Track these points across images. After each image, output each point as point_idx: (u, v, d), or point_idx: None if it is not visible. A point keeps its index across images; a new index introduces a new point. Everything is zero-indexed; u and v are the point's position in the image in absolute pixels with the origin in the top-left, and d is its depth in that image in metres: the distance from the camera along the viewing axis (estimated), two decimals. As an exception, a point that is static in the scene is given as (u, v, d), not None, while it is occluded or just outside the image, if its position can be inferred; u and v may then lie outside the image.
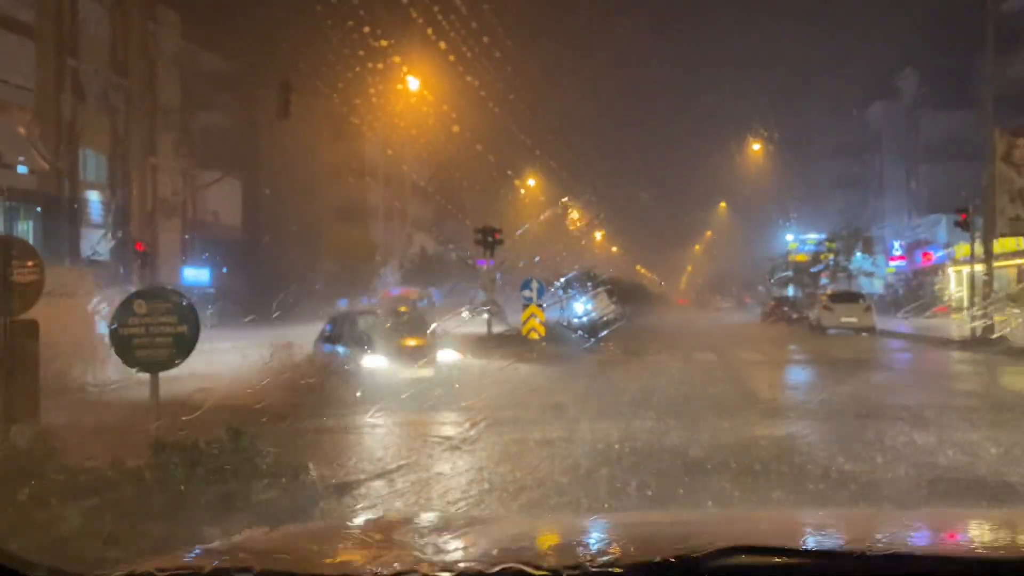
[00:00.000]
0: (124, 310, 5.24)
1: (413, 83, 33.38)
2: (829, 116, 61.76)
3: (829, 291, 35.06)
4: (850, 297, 30.91)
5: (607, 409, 9.90)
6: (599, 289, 33.11)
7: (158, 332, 5.16)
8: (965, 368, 17.67)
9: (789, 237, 58.49)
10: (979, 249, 23.89)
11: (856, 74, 58.72)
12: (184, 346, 5.23)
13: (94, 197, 34.47)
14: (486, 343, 21.85)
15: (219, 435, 5.20)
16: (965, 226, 24.01)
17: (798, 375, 16.96)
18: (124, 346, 5.22)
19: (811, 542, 1.68)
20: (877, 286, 46.59)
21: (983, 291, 22.94)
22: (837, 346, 23.28)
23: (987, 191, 22.94)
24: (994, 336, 21.08)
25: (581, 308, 32.06)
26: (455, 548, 1.69)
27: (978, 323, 22.16)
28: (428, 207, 69.17)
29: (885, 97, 54.39)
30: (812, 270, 45.45)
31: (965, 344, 21.14)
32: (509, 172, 59.26)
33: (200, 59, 40.80)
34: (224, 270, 41.43)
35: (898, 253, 50.43)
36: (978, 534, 1.79)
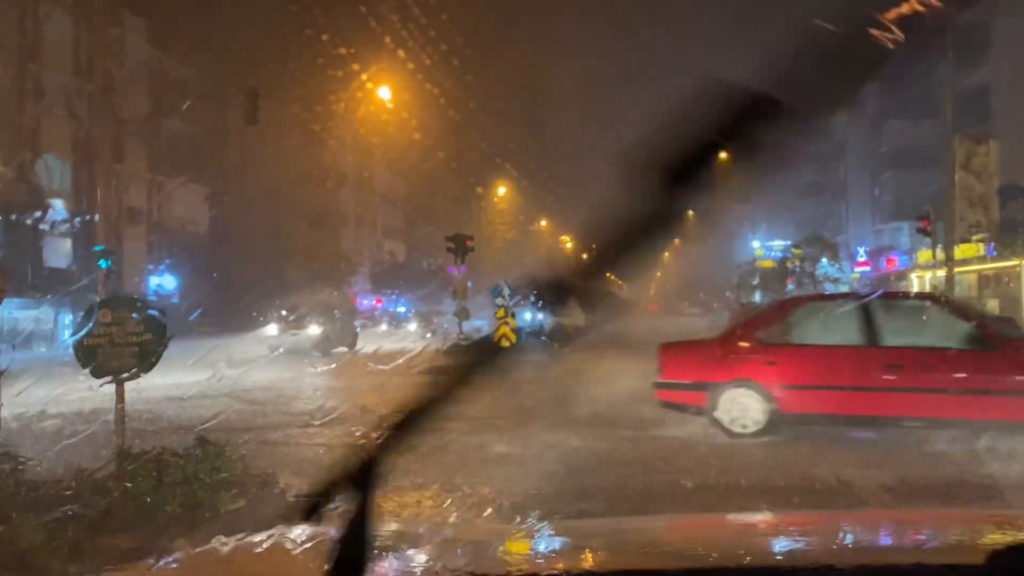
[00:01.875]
0: (88, 319, 5.18)
1: (384, 94, 33.38)
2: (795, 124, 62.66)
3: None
4: (816, 302, 31.29)
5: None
6: (568, 295, 33.17)
7: (123, 342, 5.10)
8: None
9: (756, 244, 59.22)
10: (941, 255, 24.37)
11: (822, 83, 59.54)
12: (149, 355, 5.17)
13: (58, 204, 33.93)
14: (461, 351, 21.71)
15: (187, 445, 5.16)
16: (927, 232, 24.48)
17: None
18: (88, 356, 5.15)
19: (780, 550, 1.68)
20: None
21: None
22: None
23: (948, 198, 23.42)
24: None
25: (549, 314, 32.09)
26: (418, 557, 1.67)
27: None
28: (399, 215, 69.06)
29: (850, 106, 55.26)
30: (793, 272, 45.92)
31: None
32: (476, 182, 59.46)
33: (168, 66, 40.37)
34: (189, 278, 40.93)
35: (862, 259, 51.22)
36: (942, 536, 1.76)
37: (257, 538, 1.79)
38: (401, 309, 51.94)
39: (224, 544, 1.75)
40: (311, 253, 48.50)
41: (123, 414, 5.18)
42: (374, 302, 49.05)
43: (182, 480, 4.65)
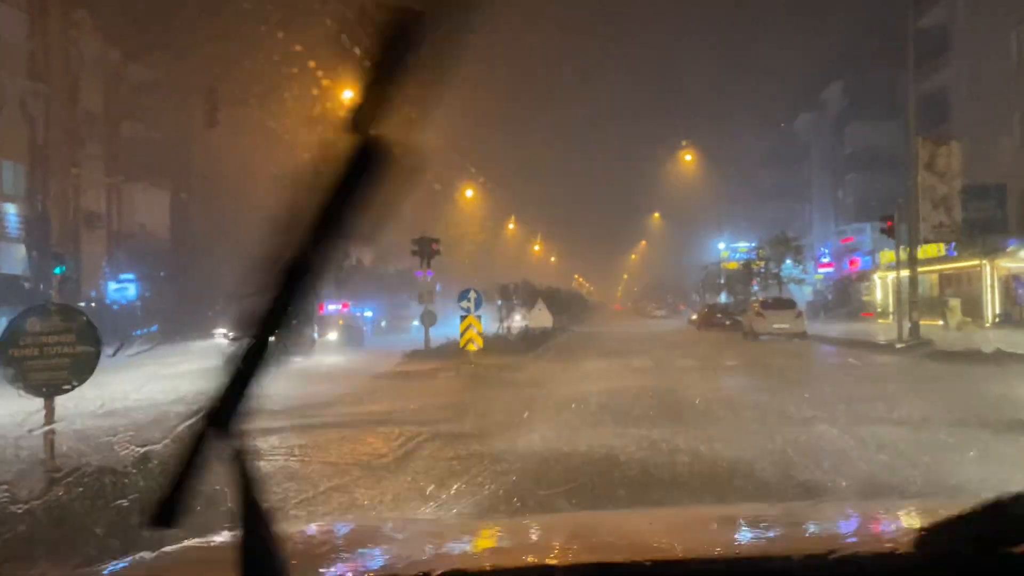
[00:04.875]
0: (15, 329, 4.80)
1: (347, 95, 32.99)
2: (760, 129, 63.47)
3: (761, 298, 35.70)
4: (781, 304, 31.52)
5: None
6: (537, 299, 33.05)
7: (54, 353, 4.73)
8: (892, 370, 18.07)
9: (721, 246, 59.68)
10: (903, 255, 24.57)
11: (785, 88, 60.41)
12: (83, 368, 4.81)
13: (11, 209, 33.02)
14: (427, 356, 21.51)
15: (127, 462, 4.82)
16: (890, 233, 24.66)
17: (732, 379, 17.06)
18: (15, 369, 4.78)
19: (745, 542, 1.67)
20: (807, 293, 47.71)
21: (908, 296, 23.56)
22: (769, 351, 23.62)
23: (911, 199, 23.63)
24: (919, 339, 21.69)
25: (518, 319, 31.97)
26: (386, 554, 1.61)
27: (904, 327, 22.77)
28: (365, 218, 68.42)
29: (812, 109, 55.92)
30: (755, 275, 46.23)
31: (891, 347, 21.69)
32: (438, 185, 59.07)
33: (127, 67, 39.55)
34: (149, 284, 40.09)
35: (826, 260, 51.77)
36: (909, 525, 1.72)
37: (190, 542, 1.69)
38: (368, 314, 51.40)
39: (143, 557, 1.67)
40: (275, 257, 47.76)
41: (52, 431, 4.83)
42: (340, 307, 48.42)
43: (117, 501, 4.32)
